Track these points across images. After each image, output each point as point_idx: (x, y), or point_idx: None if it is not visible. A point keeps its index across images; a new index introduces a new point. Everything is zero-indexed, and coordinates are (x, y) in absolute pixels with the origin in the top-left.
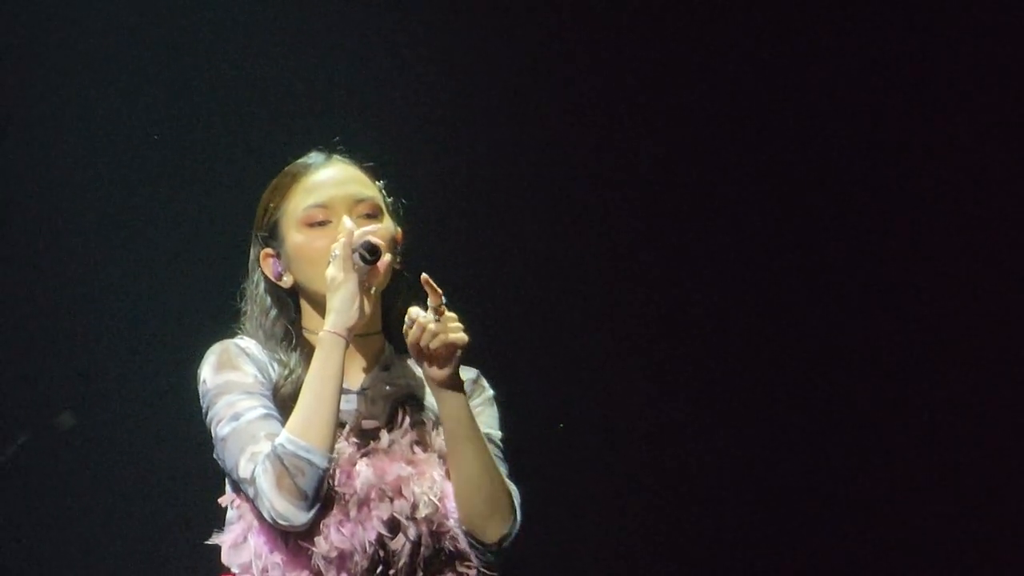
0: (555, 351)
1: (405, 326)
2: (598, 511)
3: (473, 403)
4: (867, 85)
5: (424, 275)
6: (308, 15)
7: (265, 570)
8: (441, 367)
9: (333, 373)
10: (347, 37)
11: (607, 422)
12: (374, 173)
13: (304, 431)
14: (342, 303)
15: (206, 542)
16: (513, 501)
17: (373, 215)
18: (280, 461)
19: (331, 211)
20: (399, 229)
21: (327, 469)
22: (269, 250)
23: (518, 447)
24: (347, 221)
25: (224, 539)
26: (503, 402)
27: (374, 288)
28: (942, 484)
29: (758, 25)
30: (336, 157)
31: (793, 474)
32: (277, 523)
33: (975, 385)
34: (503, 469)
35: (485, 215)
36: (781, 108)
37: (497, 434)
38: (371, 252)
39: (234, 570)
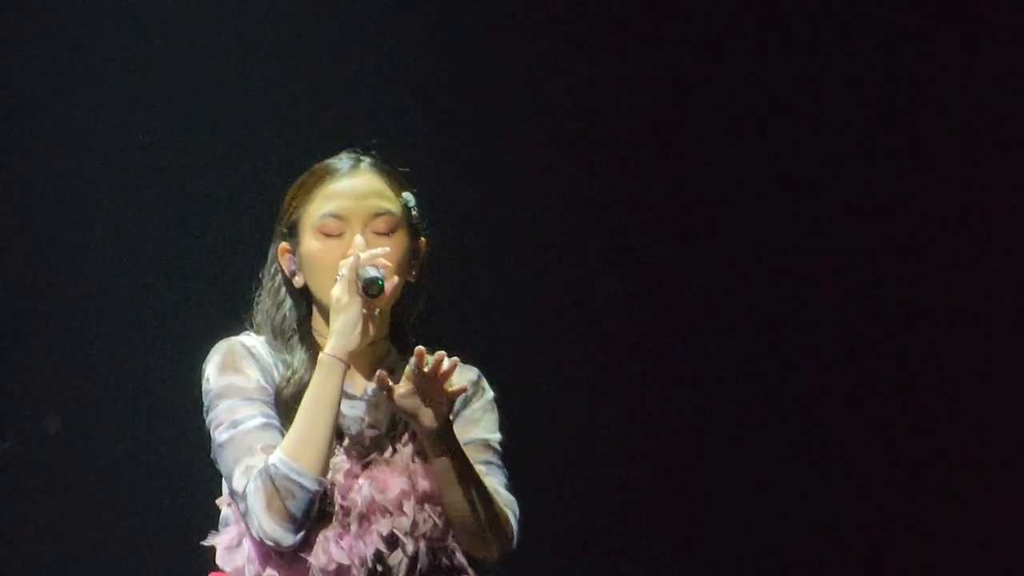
0: (551, 349)
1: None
2: (596, 509)
3: (473, 407)
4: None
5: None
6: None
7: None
8: (431, 420)
9: (330, 397)
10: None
11: (604, 421)
12: (402, 182)
13: (297, 454)
14: (343, 327)
15: (202, 542)
16: (511, 521)
17: (389, 231)
18: (272, 482)
19: (346, 223)
20: (423, 240)
21: (318, 492)
22: (287, 245)
23: (517, 447)
24: (359, 240)
25: (219, 540)
26: (502, 404)
27: (379, 309)
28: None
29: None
30: (364, 165)
31: (794, 473)
32: (263, 542)
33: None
34: (501, 477)
35: (479, 212)
36: (763, 109)
37: (496, 438)
38: (370, 287)
39: (227, 571)
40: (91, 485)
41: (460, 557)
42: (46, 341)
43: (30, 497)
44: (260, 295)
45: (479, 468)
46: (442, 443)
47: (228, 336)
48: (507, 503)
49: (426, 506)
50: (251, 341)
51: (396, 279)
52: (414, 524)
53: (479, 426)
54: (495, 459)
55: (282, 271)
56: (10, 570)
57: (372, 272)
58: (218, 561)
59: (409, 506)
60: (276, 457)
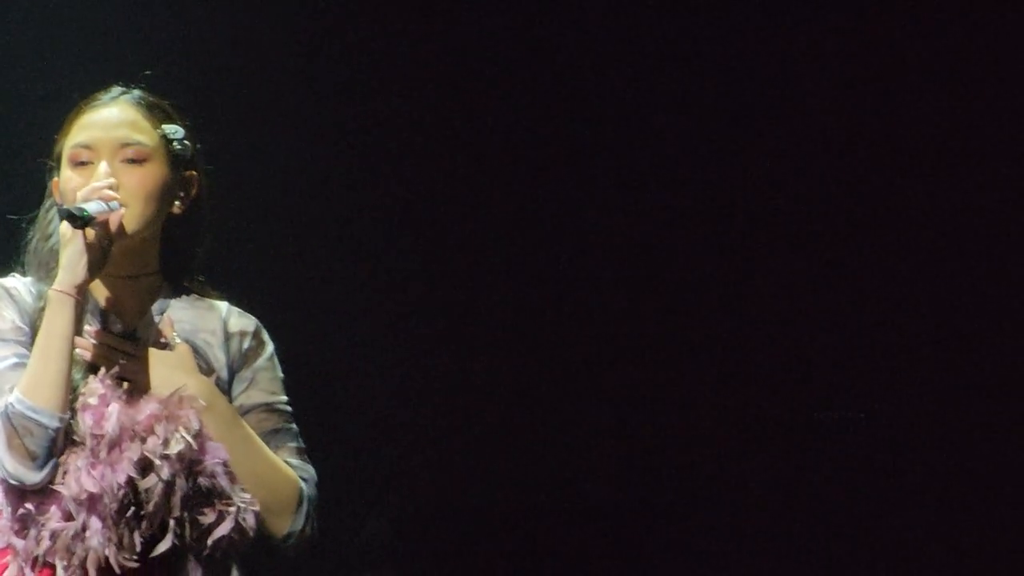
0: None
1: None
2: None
3: (253, 366)
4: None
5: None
6: None
7: (16, 511)
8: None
9: (61, 333)
10: None
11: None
12: (168, 114)
13: (32, 392)
14: (68, 261)
15: None
16: (295, 498)
17: (139, 160)
18: (10, 421)
19: (95, 153)
20: (192, 173)
21: (58, 429)
22: (57, 179)
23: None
24: (101, 168)
25: None
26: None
27: (110, 241)
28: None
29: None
30: (123, 96)
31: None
32: (10, 482)
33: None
34: (292, 444)
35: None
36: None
37: (282, 399)
38: (70, 218)
39: None
40: None
41: (222, 480)
42: None
43: None
44: (32, 231)
45: (264, 439)
46: (210, 415)
47: None
48: (301, 474)
49: (180, 428)
50: (12, 283)
51: (122, 210)
52: (165, 443)
53: (258, 387)
54: (282, 423)
55: (57, 206)
56: None
57: (80, 205)
58: None
59: (160, 428)
60: (14, 396)
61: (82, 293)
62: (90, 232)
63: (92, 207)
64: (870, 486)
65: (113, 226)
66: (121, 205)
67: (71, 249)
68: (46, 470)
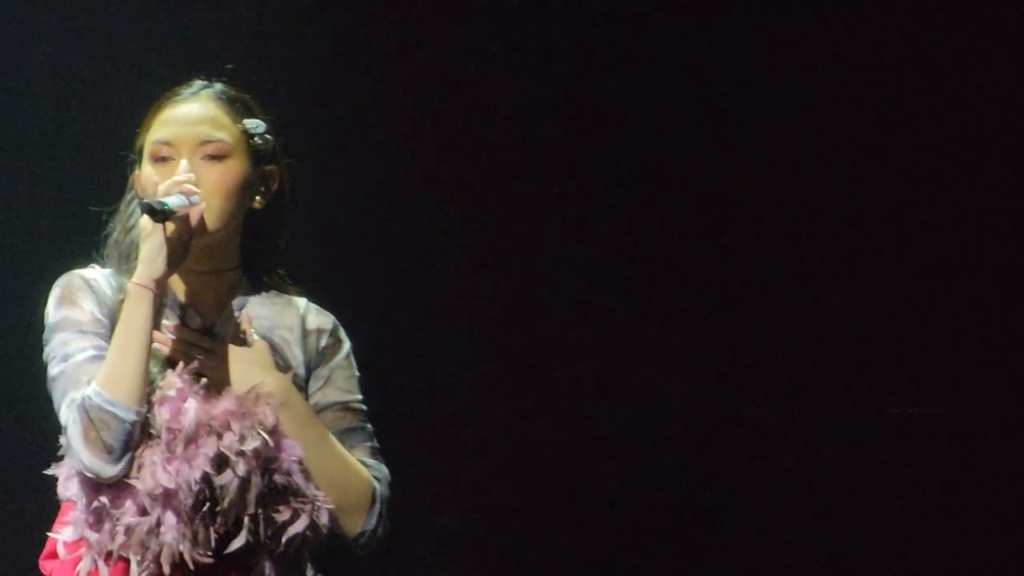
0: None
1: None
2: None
3: (329, 365)
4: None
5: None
6: None
7: (91, 504)
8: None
9: (140, 326)
10: None
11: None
12: (249, 108)
13: (110, 385)
14: (148, 254)
15: (44, 472)
16: (373, 492)
17: (219, 156)
18: (87, 414)
19: (175, 149)
20: (272, 168)
21: (135, 422)
22: (139, 172)
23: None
24: (182, 165)
25: (60, 471)
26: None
27: (190, 236)
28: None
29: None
30: (204, 91)
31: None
32: (86, 474)
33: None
34: (366, 443)
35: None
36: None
37: (357, 398)
38: (152, 214)
39: (66, 502)
40: None
41: (297, 478)
42: None
43: None
44: (113, 222)
45: (339, 438)
46: (286, 412)
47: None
48: (375, 474)
49: (256, 424)
50: (92, 274)
51: (203, 204)
52: (241, 439)
53: (335, 386)
54: (357, 422)
55: (138, 199)
56: None
57: (161, 199)
58: (58, 491)
59: (236, 424)
60: (91, 389)
61: (161, 287)
62: (170, 226)
63: (173, 201)
64: (945, 483)
65: (193, 220)
66: (201, 200)
67: (151, 243)
68: (122, 463)
